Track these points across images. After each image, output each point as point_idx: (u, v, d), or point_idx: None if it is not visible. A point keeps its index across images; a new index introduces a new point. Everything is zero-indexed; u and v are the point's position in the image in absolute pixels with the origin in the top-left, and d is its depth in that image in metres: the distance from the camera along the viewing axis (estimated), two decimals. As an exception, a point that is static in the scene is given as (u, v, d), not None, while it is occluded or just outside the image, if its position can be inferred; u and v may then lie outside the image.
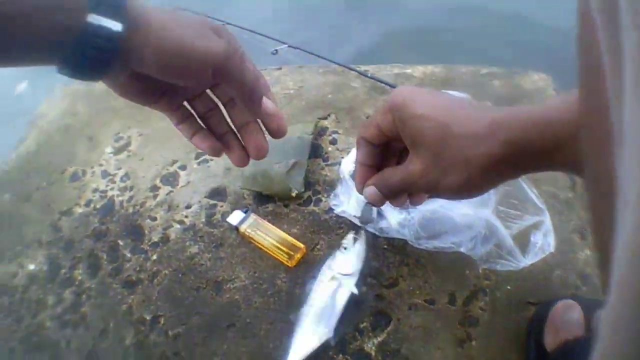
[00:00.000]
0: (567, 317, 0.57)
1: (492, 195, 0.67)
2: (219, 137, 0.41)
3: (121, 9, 0.30)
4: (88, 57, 0.30)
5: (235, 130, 0.42)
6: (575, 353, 0.52)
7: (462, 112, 0.37)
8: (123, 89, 0.36)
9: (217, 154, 0.41)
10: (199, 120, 0.41)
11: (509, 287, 0.66)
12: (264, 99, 0.38)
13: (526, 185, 0.67)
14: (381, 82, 0.81)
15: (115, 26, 0.29)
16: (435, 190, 0.40)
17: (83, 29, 0.29)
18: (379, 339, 0.62)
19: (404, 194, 0.44)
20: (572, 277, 0.67)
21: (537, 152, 0.34)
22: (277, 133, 0.41)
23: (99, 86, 1.17)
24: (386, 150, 0.45)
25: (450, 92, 0.70)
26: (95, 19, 0.29)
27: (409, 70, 0.92)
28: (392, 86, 0.81)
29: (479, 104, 0.40)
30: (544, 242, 0.66)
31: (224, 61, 0.33)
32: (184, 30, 0.32)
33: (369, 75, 0.84)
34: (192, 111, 0.41)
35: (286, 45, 0.75)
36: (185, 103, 0.41)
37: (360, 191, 0.45)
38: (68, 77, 0.31)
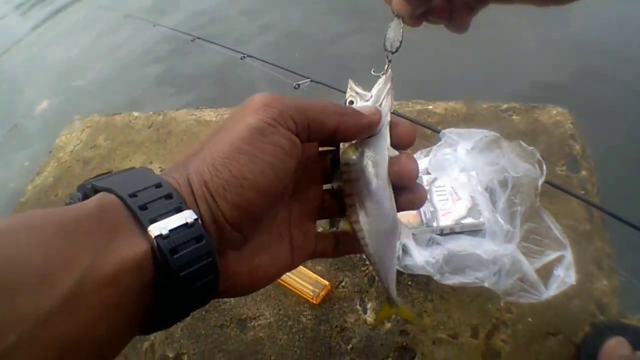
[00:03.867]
0: (618, 354, 0.58)
1: (516, 232, 0.68)
2: None
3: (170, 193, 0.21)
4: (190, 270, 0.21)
5: None
6: None
7: None
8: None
9: None
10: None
11: (529, 319, 0.67)
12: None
13: (550, 221, 0.68)
14: (404, 117, 0.80)
15: (190, 217, 0.21)
16: None
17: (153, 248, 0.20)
18: (406, 375, 0.63)
19: None
20: (591, 306, 0.68)
21: None
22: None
23: (120, 119, 1.14)
24: None
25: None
26: (157, 227, 0.20)
27: (430, 107, 0.91)
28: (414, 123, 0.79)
29: None
30: (566, 275, 0.67)
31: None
32: (239, 158, 0.23)
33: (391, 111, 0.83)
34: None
35: (309, 80, 0.73)
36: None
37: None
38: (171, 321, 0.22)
